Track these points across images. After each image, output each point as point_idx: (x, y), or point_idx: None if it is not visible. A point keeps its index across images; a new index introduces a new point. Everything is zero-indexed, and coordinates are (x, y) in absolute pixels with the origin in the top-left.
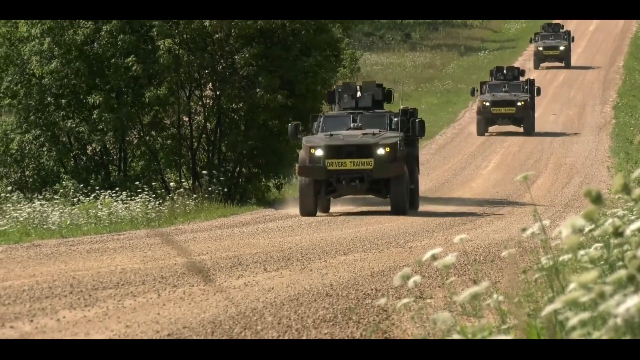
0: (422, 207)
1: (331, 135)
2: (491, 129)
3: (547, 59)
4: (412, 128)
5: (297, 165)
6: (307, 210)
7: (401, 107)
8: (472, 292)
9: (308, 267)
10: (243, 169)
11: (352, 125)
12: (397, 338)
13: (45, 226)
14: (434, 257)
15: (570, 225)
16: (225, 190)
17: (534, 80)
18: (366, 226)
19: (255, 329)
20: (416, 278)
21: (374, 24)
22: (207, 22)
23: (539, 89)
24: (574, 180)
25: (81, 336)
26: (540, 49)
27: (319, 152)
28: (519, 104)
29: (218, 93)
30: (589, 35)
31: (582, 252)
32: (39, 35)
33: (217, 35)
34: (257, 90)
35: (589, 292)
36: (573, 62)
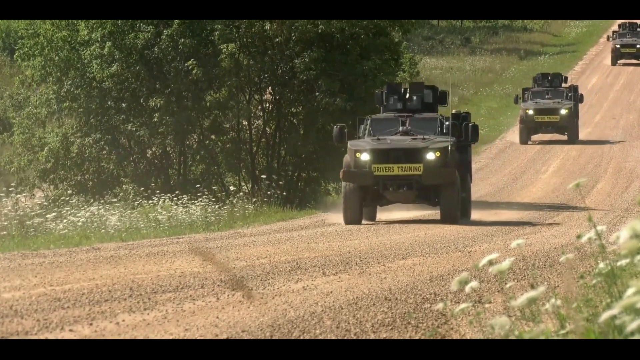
0: (475, 215)
1: (378, 139)
2: (534, 137)
3: (624, 56)
4: (464, 133)
5: (341, 170)
6: (352, 219)
7: (453, 111)
8: (529, 296)
9: (367, 271)
10: (302, 173)
11: (400, 129)
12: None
13: (103, 230)
14: (491, 263)
15: (629, 230)
16: (284, 194)
17: (577, 86)
18: (425, 230)
19: (314, 332)
20: (474, 283)
21: (433, 28)
22: (267, 26)
23: (581, 96)
24: (634, 184)
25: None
26: (618, 46)
27: (365, 157)
28: (562, 111)
29: (278, 97)
30: None
31: None
32: (99, 39)
33: (277, 39)
34: (316, 94)
35: None
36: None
